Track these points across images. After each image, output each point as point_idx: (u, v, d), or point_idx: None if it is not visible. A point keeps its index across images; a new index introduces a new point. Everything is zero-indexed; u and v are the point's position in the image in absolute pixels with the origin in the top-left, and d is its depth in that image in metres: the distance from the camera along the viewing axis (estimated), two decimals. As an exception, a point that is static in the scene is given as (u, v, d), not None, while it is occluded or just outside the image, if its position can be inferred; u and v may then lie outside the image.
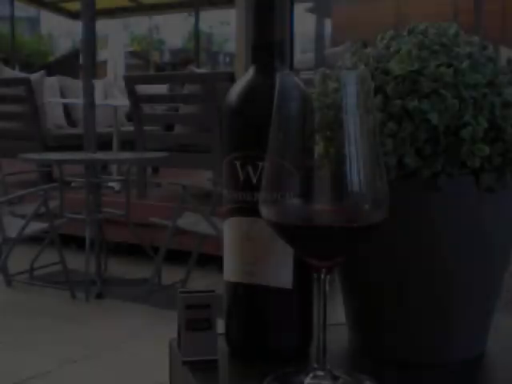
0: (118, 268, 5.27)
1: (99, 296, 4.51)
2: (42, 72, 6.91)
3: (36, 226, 4.28)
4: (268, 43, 0.84)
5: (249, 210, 0.82)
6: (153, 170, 7.25)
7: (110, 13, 13.23)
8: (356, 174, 0.68)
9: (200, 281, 4.85)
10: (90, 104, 5.04)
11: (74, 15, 13.16)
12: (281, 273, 0.83)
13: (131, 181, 5.04)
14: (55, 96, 7.59)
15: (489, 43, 0.84)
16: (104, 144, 6.46)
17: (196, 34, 12.49)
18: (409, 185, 0.78)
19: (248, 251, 0.83)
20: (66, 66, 11.02)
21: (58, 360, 3.45)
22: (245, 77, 0.85)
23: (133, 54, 27.65)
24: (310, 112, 0.69)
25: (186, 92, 5.81)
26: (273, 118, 0.71)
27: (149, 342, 3.63)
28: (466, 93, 0.77)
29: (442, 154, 0.77)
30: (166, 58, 31.68)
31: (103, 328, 3.94)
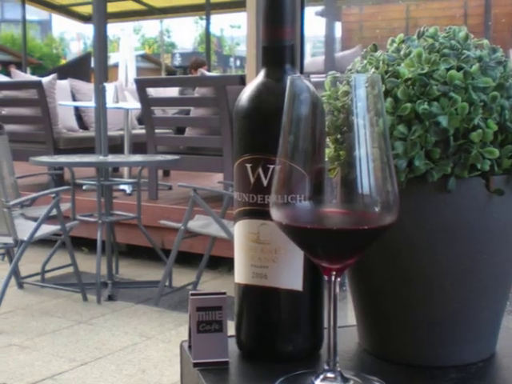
0: (129, 270, 5.28)
1: (110, 298, 4.52)
2: (54, 75, 6.94)
3: (47, 229, 4.29)
4: (279, 46, 0.84)
5: (259, 212, 0.82)
6: (164, 173, 7.27)
7: (122, 16, 13.28)
8: (366, 176, 0.68)
9: (211, 283, 4.86)
10: (102, 107, 5.06)
11: (85, 18, 13.23)
12: (291, 275, 0.83)
13: (142, 183, 5.05)
14: (67, 99, 7.62)
15: (498, 46, 0.84)
16: (115, 147, 6.49)
17: (207, 37, 12.51)
18: (419, 187, 0.78)
19: (259, 253, 0.83)
20: (77, 69, 11.04)
21: (69, 361, 3.47)
22: (255, 80, 0.85)
23: (144, 57, 27.75)
24: (321, 115, 0.70)
25: (197, 95, 5.82)
26: (283, 121, 0.71)
27: (160, 344, 3.64)
28: (476, 96, 0.77)
29: (451, 157, 0.77)
30: (177, 61, 31.78)
31: (114, 330, 3.95)
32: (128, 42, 12.28)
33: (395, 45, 0.86)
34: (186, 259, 5.17)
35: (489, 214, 0.80)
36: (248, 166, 0.83)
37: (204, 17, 12.69)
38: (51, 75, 6.95)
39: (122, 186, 6.27)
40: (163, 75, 19.44)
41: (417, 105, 0.77)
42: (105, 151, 4.89)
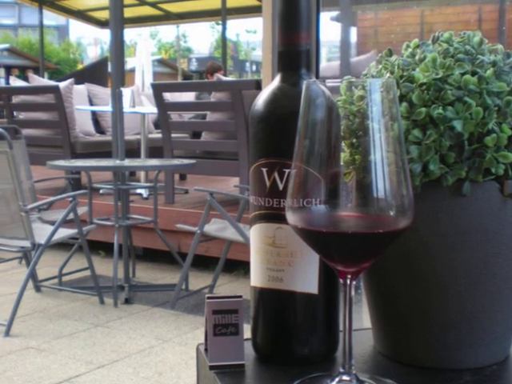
0: (146, 274, 5.30)
1: (127, 301, 4.54)
2: (71, 80, 6.97)
3: (65, 232, 4.32)
4: (294, 51, 0.84)
5: (275, 216, 0.83)
6: (180, 177, 7.29)
7: (138, 21, 13.33)
8: (381, 180, 0.68)
9: (227, 286, 4.87)
10: (119, 111, 5.09)
11: (102, 24, 13.29)
12: (307, 278, 0.84)
13: (159, 187, 5.07)
14: (84, 103, 7.66)
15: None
16: (132, 151, 6.52)
17: (223, 42, 12.54)
18: (433, 191, 0.79)
19: (274, 257, 0.84)
20: (94, 73, 11.10)
21: (86, 364, 3.48)
22: (271, 84, 0.86)
23: (160, 62, 27.85)
24: (336, 119, 0.70)
25: (213, 100, 5.84)
26: (299, 126, 0.71)
27: (176, 347, 3.65)
28: (490, 100, 0.77)
29: (466, 161, 0.77)
30: (194, 65, 31.87)
31: (131, 333, 3.97)
32: (145, 46, 12.34)
33: (410, 50, 0.86)
34: (203, 263, 5.18)
35: (503, 217, 0.80)
36: (264, 170, 0.83)
37: (220, 22, 12.72)
38: (68, 80, 6.99)
39: (138, 190, 6.29)
40: (179, 80, 19.50)
41: (431, 109, 0.77)
42: (122, 155, 4.91)
